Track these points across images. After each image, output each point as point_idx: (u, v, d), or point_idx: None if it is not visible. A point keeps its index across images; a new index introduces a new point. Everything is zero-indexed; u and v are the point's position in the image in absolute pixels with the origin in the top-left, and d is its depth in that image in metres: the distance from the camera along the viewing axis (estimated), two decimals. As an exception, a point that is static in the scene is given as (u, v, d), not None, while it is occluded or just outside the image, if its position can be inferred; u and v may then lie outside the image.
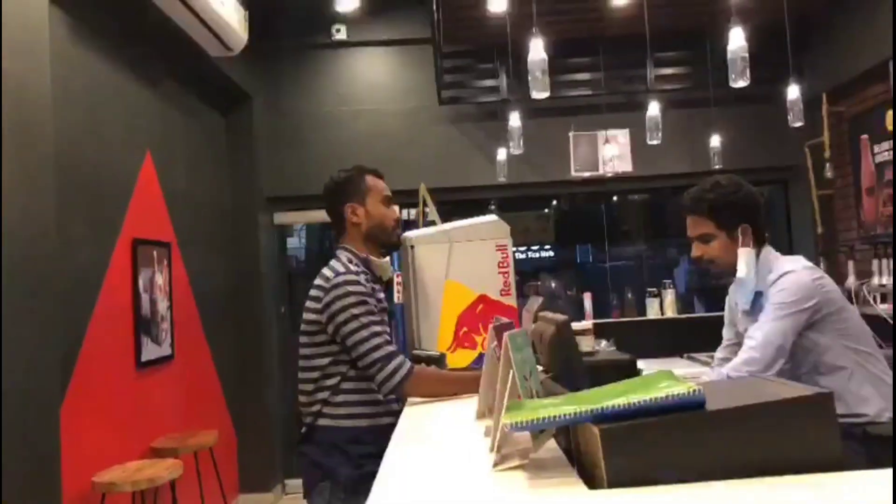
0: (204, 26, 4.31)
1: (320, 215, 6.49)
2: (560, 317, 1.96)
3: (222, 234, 5.64)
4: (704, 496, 1.09)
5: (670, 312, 5.63)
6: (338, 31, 6.04)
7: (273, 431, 5.85)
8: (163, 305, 4.42)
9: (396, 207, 2.59)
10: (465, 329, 2.94)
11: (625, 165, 5.83)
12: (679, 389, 1.20)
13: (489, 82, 5.91)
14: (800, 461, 1.16)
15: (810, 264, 2.30)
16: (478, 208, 6.05)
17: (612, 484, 1.17)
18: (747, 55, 2.84)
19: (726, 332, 2.61)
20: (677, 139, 5.77)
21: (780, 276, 2.23)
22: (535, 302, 3.32)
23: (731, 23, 2.88)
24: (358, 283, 2.36)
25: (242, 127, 5.86)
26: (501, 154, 5.46)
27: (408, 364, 2.30)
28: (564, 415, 1.21)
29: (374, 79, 6.15)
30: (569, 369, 1.85)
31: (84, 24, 3.74)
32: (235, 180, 5.81)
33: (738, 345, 2.41)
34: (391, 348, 2.31)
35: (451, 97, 5.88)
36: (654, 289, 5.74)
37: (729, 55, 2.86)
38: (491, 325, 1.93)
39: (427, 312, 2.96)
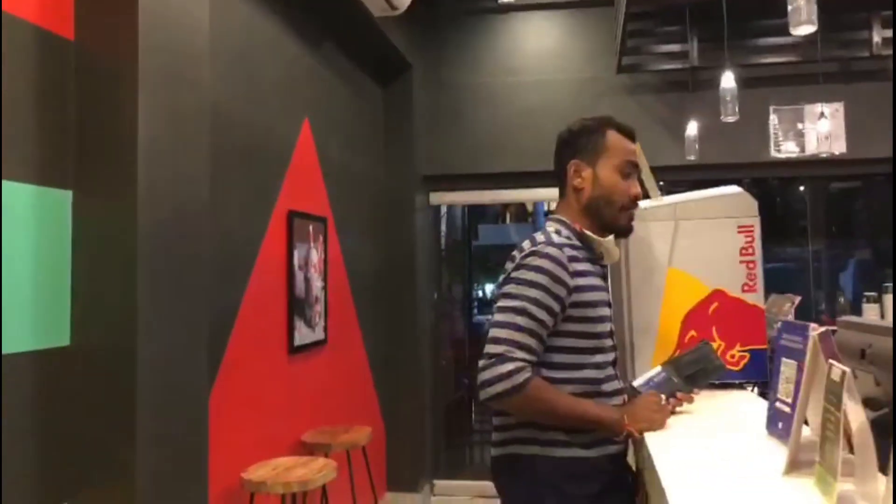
0: (369, -21, 3.90)
1: (478, 196, 6.10)
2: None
3: (377, 213, 5.25)
4: None
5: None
6: (505, -7, 5.50)
7: (424, 427, 5.43)
8: (317, 285, 4.05)
9: (637, 182, 1.96)
10: (692, 333, 2.33)
11: (838, 146, 4.94)
12: None
13: (674, 47, 5.18)
14: None
15: None
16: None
17: None
18: None
19: None
20: (903, 116, 4.85)
21: None
22: (782, 302, 2.65)
23: None
24: (555, 259, 1.78)
25: (401, 99, 5.43)
26: (691, 128, 4.74)
27: (525, 375, 1.69)
28: None
29: (542, 46, 5.56)
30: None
31: (245, -28, 3.40)
32: (392, 156, 5.40)
33: None
34: (518, 353, 1.71)
35: (631, 64, 5.21)
36: (874, 293, 4.84)
37: None
38: (813, 333, 1.32)
39: (643, 309, 2.36)
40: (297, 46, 3.97)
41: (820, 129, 4.88)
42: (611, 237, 1.95)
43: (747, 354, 2.30)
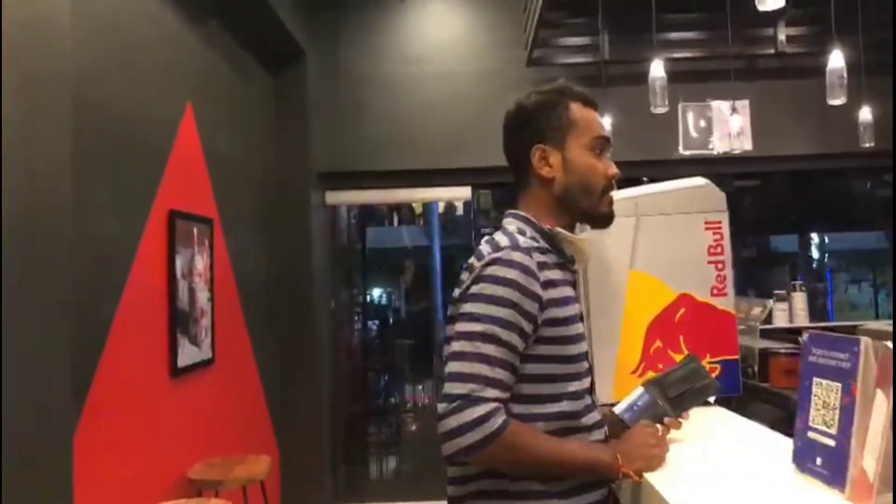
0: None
1: (379, 195, 5.69)
2: None
3: (269, 214, 4.75)
4: None
5: (801, 320, 4.70)
6: (407, -22, 5.14)
7: (322, 448, 4.96)
8: (203, 296, 3.54)
9: (610, 161, 1.60)
10: (658, 343, 2.04)
11: (746, 143, 4.88)
12: None
13: (584, 40, 4.98)
14: None
15: None
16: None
17: None
18: None
19: None
20: (809, 114, 4.87)
21: None
22: (750, 306, 2.43)
23: None
24: (524, 267, 1.42)
25: (294, 88, 4.95)
26: (605, 125, 4.53)
27: (500, 419, 1.33)
28: None
29: (448, 35, 5.23)
30: None
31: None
32: (285, 150, 4.91)
33: None
34: (489, 392, 1.34)
35: (540, 57, 4.96)
36: (782, 291, 4.81)
37: None
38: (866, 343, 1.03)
39: (602, 317, 2.05)
40: (177, 20, 3.45)
41: (731, 127, 4.80)
42: (585, 235, 1.61)
43: (718, 366, 2.04)
